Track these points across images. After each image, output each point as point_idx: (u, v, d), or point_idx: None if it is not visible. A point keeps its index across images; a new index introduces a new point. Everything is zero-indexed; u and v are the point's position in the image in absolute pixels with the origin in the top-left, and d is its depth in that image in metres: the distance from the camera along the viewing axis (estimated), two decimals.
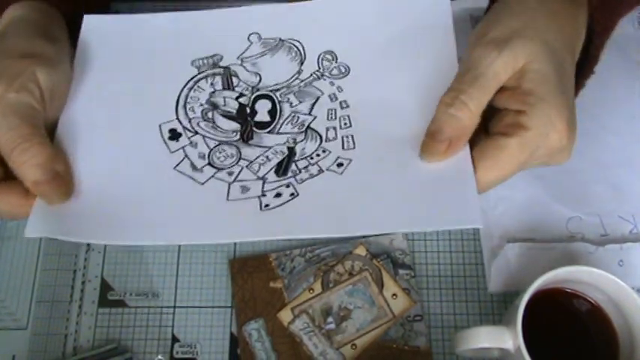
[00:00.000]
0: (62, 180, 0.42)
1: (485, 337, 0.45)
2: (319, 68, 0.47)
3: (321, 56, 0.48)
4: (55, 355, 0.53)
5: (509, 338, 0.45)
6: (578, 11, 0.45)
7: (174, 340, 0.53)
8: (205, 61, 0.48)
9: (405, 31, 0.47)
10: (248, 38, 0.49)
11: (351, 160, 0.43)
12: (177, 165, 0.44)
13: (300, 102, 0.46)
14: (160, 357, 0.52)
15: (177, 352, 0.52)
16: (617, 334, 0.48)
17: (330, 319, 0.50)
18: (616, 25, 0.47)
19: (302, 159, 0.44)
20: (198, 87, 0.47)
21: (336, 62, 0.48)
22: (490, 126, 0.43)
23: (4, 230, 0.58)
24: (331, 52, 0.48)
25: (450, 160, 0.40)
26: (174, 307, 0.54)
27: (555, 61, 0.42)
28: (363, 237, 0.53)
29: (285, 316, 0.51)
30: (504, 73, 0.41)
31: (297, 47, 0.49)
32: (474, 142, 0.42)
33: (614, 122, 0.58)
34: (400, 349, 0.51)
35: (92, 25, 0.50)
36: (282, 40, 0.49)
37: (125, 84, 0.47)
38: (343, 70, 0.47)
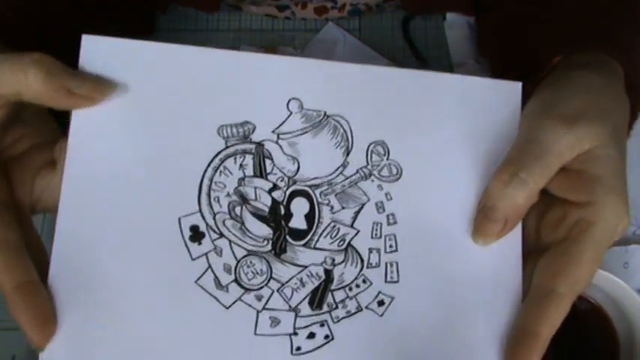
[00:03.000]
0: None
1: None
2: (367, 164, 0.41)
3: (371, 147, 0.41)
4: None
5: None
6: None
7: None
8: (235, 131, 0.41)
9: (471, 134, 0.41)
10: (287, 105, 0.41)
11: (393, 299, 0.40)
12: (199, 278, 0.39)
13: (343, 208, 0.41)
14: None
15: None
16: (617, 334, 0.51)
17: None
18: None
19: (340, 289, 0.40)
20: (226, 168, 0.40)
21: (387, 159, 0.41)
22: (544, 227, 0.40)
23: None
24: (383, 144, 0.41)
25: None
26: None
27: (622, 144, 0.40)
28: None
29: None
30: (569, 153, 0.38)
31: (343, 129, 0.41)
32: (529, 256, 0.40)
33: None
34: None
35: (93, 48, 0.40)
36: (328, 116, 0.41)
37: (138, 150, 0.40)
38: (395, 172, 0.41)
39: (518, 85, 0.42)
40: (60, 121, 0.41)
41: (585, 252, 0.37)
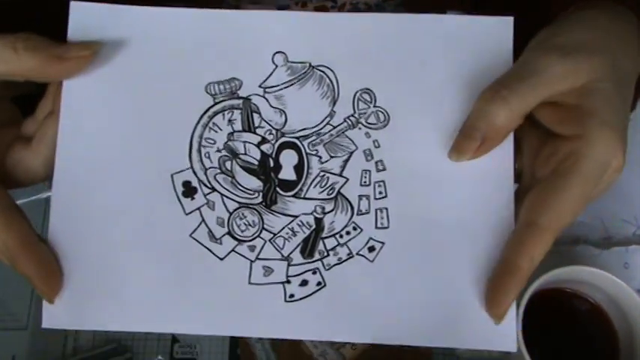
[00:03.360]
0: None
1: None
2: (354, 112, 0.41)
3: (358, 95, 0.42)
4: (55, 355, 0.54)
5: None
6: None
7: (174, 340, 0.54)
8: (222, 88, 0.41)
9: (458, 72, 0.41)
10: (272, 59, 0.42)
11: (383, 244, 0.40)
12: (193, 231, 0.40)
13: (331, 157, 0.41)
14: (160, 357, 0.53)
15: (177, 353, 0.53)
16: (617, 334, 0.51)
17: None
18: None
19: (330, 236, 0.41)
20: (215, 124, 0.41)
21: (373, 106, 0.42)
22: (538, 164, 0.39)
23: None
24: (369, 92, 0.42)
25: None
26: None
27: (621, 83, 0.38)
28: None
29: None
30: (561, 81, 0.37)
31: (329, 79, 0.42)
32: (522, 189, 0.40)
33: None
34: (400, 349, 0.53)
35: (81, 14, 0.41)
36: (313, 67, 0.42)
37: (130, 111, 0.41)
38: (382, 119, 0.41)
39: (510, 19, 0.41)
40: (20, 107, 0.43)
41: (571, 186, 0.36)
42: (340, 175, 0.41)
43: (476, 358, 0.53)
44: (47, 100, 0.41)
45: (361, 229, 0.40)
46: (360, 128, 0.41)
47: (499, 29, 0.41)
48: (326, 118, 0.41)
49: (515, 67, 0.39)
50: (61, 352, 0.54)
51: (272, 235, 0.40)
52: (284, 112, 0.41)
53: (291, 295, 0.39)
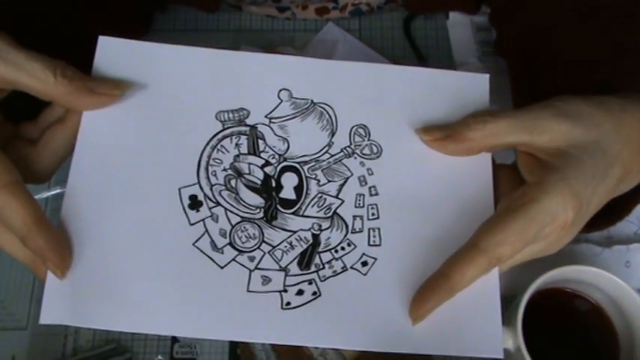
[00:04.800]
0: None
1: None
2: (350, 144, 0.45)
3: (354, 130, 0.46)
4: (54, 355, 0.54)
5: (509, 338, 0.46)
6: None
7: (174, 340, 0.55)
8: (231, 116, 0.45)
9: (441, 115, 0.46)
10: (278, 95, 0.46)
11: (375, 260, 0.43)
12: (196, 241, 0.42)
13: (329, 181, 0.45)
14: (159, 357, 0.52)
15: (177, 353, 0.54)
16: (617, 334, 0.51)
17: None
18: None
19: (326, 251, 0.43)
20: (222, 147, 0.45)
21: (368, 139, 0.46)
22: (502, 201, 0.42)
23: None
24: (364, 127, 0.46)
25: (477, 284, 0.40)
26: None
27: (606, 161, 0.42)
28: None
29: None
30: (539, 135, 0.42)
31: (328, 114, 0.46)
32: None
33: None
34: None
35: (108, 48, 0.46)
36: (314, 103, 0.46)
37: (142, 133, 0.44)
38: (375, 151, 0.45)
39: (486, 77, 0.47)
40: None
41: (514, 220, 0.39)
42: (336, 197, 0.44)
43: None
44: (53, 109, 0.44)
45: (355, 246, 0.43)
46: (355, 158, 0.45)
47: (477, 83, 0.47)
48: (325, 147, 0.45)
49: (515, 108, 0.43)
50: (61, 352, 0.54)
51: (271, 248, 0.43)
52: (287, 140, 0.45)
53: (288, 303, 0.41)
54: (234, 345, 0.54)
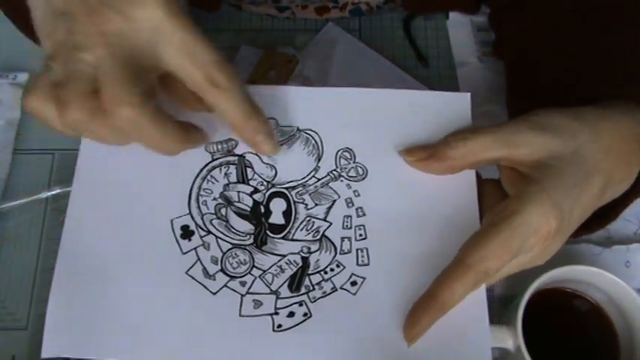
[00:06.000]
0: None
1: None
2: (336, 167, 0.47)
3: (339, 153, 0.47)
4: None
5: (509, 338, 0.46)
6: None
7: None
8: (220, 147, 0.47)
9: (424, 136, 0.47)
10: None
11: (364, 279, 0.43)
12: (189, 269, 0.43)
13: (316, 204, 0.46)
14: None
15: None
16: (617, 334, 0.51)
17: None
18: None
19: (316, 273, 0.44)
20: (212, 177, 0.46)
21: (353, 162, 0.47)
22: (486, 216, 0.43)
23: (4, 230, 0.59)
24: (349, 150, 0.47)
25: (465, 304, 0.41)
26: None
27: (587, 172, 0.42)
28: None
29: None
30: (517, 148, 0.43)
31: (314, 140, 0.47)
32: None
33: None
34: None
35: None
36: (300, 130, 0.48)
37: (136, 167, 0.46)
38: (361, 172, 0.47)
39: (467, 95, 0.48)
40: None
41: (497, 234, 0.40)
42: (324, 219, 0.45)
43: None
44: None
45: (344, 267, 0.44)
46: (341, 180, 0.46)
47: (458, 103, 0.48)
48: (311, 172, 0.46)
49: (496, 124, 0.44)
50: None
51: (262, 272, 0.44)
52: (274, 166, 0.47)
53: (279, 325, 0.42)
54: None
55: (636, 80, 0.48)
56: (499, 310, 0.55)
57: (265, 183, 0.46)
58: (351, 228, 0.45)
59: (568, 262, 0.51)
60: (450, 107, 0.48)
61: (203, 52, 0.39)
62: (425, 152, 0.45)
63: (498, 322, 0.53)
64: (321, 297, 0.43)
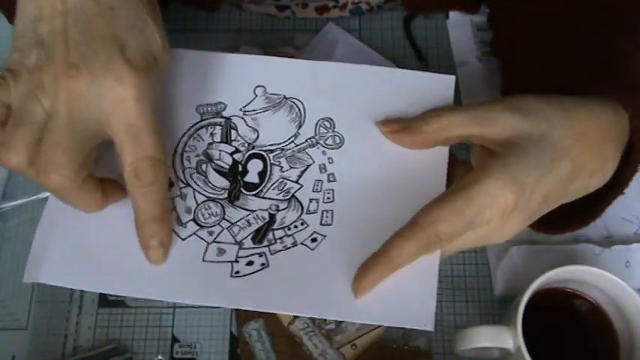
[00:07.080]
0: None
1: (485, 337, 0.47)
2: (315, 135, 0.49)
3: (319, 122, 0.49)
4: (54, 355, 0.55)
5: (509, 338, 0.46)
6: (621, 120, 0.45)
7: (174, 340, 0.56)
8: (210, 109, 0.50)
9: (405, 113, 0.48)
10: (254, 91, 0.51)
11: (325, 237, 0.45)
12: None
13: (291, 168, 0.48)
14: (159, 357, 0.54)
15: (177, 353, 0.55)
16: (617, 334, 0.50)
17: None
18: None
19: (280, 228, 0.46)
20: (198, 135, 0.49)
21: (332, 131, 0.49)
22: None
23: (4, 230, 0.60)
24: (329, 120, 0.49)
25: (418, 263, 0.42)
26: (174, 307, 0.57)
27: (554, 154, 0.42)
28: None
29: (285, 316, 0.54)
30: (491, 126, 0.44)
31: (298, 108, 0.50)
32: None
33: None
34: (400, 349, 0.53)
35: None
36: (286, 98, 0.50)
37: None
38: (337, 141, 0.48)
39: (452, 78, 0.50)
40: None
41: (454, 200, 0.41)
42: (296, 182, 0.48)
43: (476, 358, 0.53)
44: None
45: (307, 225, 0.46)
46: (318, 147, 0.49)
47: (443, 84, 0.50)
48: (291, 137, 0.49)
49: (473, 103, 0.46)
50: (61, 352, 0.55)
51: (230, 224, 0.46)
52: (257, 130, 0.49)
53: (237, 272, 0.45)
54: (234, 345, 0.56)
55: (625, 81, 0.47)
56: (499, 310, 0.55)
57: (246, 145, 0.49)
58: (320, 191, 0.47)
59: (568, 262, 0.51)
60: (435, 87, 0.49)
61: (149, 145, 0.41)
62: (400, 124, 0.46)
63: (498, 322, 0.54)
64: (281, 250, 0.45)
